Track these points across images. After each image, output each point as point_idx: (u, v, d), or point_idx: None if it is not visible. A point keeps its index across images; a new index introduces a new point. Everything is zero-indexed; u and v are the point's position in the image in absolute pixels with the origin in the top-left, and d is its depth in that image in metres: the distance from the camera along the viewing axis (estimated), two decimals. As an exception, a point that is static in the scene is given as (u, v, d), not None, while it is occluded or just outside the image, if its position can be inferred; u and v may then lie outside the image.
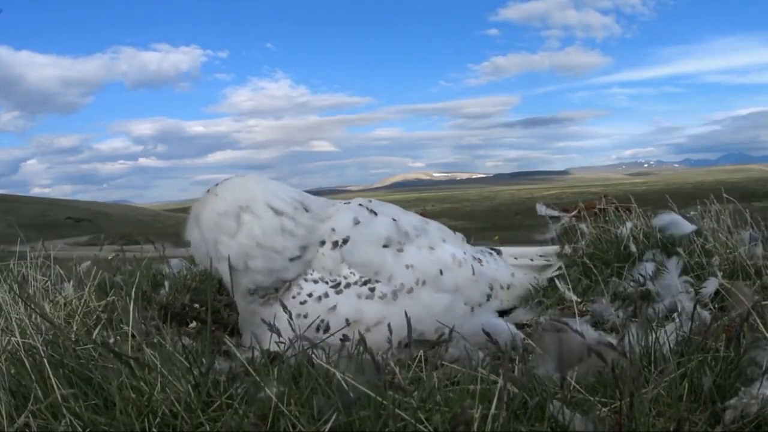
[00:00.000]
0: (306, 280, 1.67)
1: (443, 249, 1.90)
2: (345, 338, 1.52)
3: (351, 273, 1.69)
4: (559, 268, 2.20)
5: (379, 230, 1.79)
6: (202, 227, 1.68)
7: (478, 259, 2.03)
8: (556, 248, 2.45)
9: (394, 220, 1.85)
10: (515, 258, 2.28)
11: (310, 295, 1.64)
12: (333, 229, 1.74)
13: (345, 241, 1.73)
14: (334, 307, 1.63)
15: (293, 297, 1.65)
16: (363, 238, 1.75)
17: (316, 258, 1.70)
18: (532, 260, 2.33)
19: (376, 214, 1.84)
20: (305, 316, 1.61)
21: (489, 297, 1.95)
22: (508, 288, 2.04)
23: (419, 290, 1.75)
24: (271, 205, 1.66)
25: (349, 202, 1.90)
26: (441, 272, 1.82)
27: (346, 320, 1.61)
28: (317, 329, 1.59)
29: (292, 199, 1.71)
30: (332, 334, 1.56)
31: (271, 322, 1.42)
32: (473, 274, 1.92)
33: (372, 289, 1.68)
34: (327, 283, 1.67)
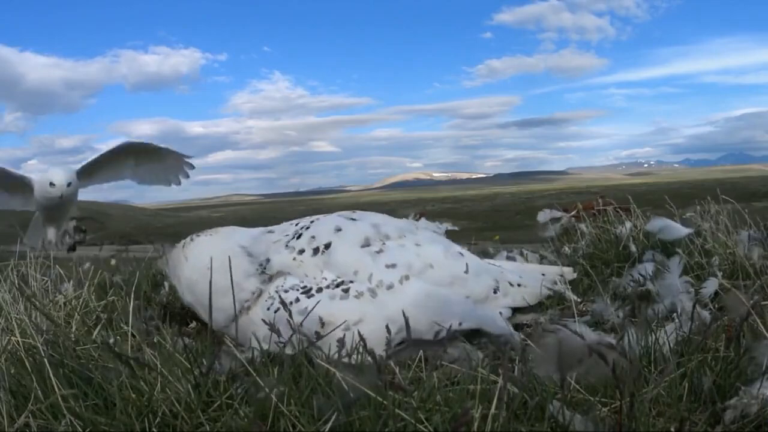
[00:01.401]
0: (277, 290, 1.67)
1: (432, 246, 1.84)
2: (318, 336, 1.48)
3: (323, 278, 1.68)
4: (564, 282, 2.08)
5: (358, 233, 1.77)
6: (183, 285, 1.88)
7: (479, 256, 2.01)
8: (559, 269, 2.21)
9: (374, 225, 1.82)
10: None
11: (282, 302, 1.60)
12: (313, 237, 1.76)
13: (327, 246, 1.73)
14: (306, 309, 1.59)
15: (267, 309, 1.66)
16: (343, 242, 1.75)
17: (297, 266, 1.72)
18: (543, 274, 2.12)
19: (355, 220, 1.84)
20: (275, 321, 1.58)
21: (496, 290, 1.86)
22: (518, 286, 1.93)
23: (403, 286, 1.68)
24: (209, 266, 1.71)
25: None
26: (432, 266, 1.76)
27: (320, 320, 1.58)
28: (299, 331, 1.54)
29: (240, 248, 1.80)
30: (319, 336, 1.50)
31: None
32: (467, 268, 1.82)
33: (346, 290, 1.64)
34: (297, 290, 1.66)
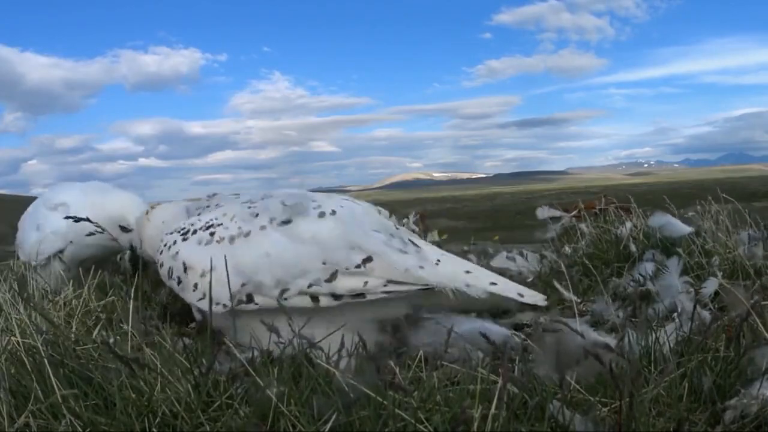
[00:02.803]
0: (171, 233, 1.80)
1: (301, 201, 1.71)
2: (179, 281, 1.66)
3: (198, 221, 1.75)
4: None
5: (248, 196, 1.87)
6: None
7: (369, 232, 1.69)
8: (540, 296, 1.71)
9: (266, 193, 1.85)
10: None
11: (165, 244, 1.76)
12: (217, 205, 1.91)
13: (217, 206, 1.87)
14: (176, 254, 1.69)
15: (159, 251, 1.81)
16: (231, 202, 1.87)
17: (196, 220, 1.88)
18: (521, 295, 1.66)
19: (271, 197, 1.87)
20: (161, 265, 1.75)
21: (360, 267, 1.58)
22: (405, 271, 1.58)
23: (259, 235, 1.61)
24: (164, 219, 2.05)
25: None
26: (290, 220, 1.63)
27: (184, 265, 1.65)
28: (168, 276, 1.69)
29: (185, 208, 2.07)
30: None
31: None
32: (338, 230, 1.62)
33: (212, 234, 1.67)
34: (178, 232, 1.75)
